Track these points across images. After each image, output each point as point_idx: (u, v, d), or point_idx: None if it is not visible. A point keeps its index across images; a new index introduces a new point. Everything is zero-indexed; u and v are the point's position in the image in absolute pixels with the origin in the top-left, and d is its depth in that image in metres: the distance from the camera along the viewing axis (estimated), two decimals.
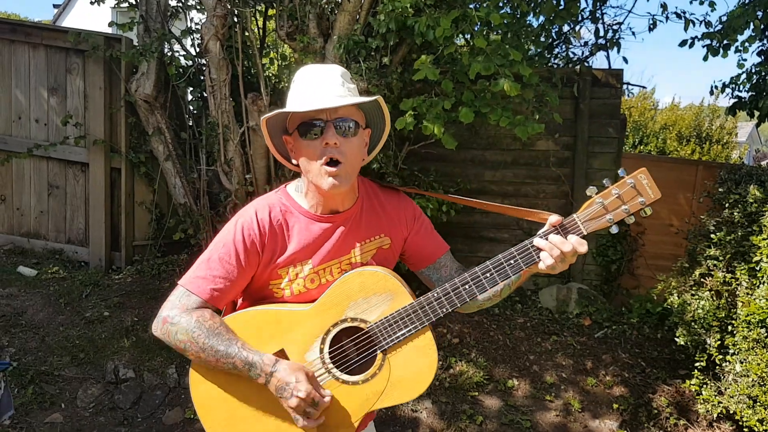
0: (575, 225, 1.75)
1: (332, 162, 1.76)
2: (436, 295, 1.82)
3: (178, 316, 1.77)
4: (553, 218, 1.78)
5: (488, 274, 1.80)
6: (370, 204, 1.99)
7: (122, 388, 4.59)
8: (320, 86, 1.79)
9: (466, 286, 1.81)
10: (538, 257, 1.76)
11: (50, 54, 6.14)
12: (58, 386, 4.54)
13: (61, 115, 6.07)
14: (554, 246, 1.73)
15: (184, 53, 6.04)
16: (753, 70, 6.43)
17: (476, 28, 4.72)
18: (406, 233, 2.04)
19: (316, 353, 1.83)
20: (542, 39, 6.53)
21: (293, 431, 1.81)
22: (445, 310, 1.82)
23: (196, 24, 6.01)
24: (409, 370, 1.82)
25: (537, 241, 1.76)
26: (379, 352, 1.82)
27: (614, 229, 1.78)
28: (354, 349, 1.84)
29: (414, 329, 1.81)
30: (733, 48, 6.01)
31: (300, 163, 1.85)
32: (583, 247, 1.72)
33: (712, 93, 6.41)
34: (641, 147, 13.40)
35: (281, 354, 1.81)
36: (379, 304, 1.82)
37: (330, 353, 1.83)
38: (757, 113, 6.17)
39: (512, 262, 1.79)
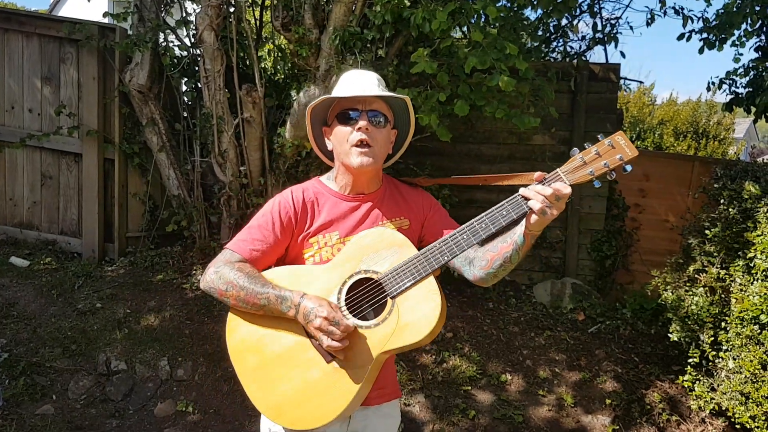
0: (557, 176, 1.90)
1: (363, 144, 2.07)
2: (437, 245, 2.01)
3: (222, 267, 2.07)
4: (536, 174, 1.93)
5: (482, 223, 1.96)
6: (391, 192, 2.28)
7: (114, 380, 4.58)
8: (360, 82, 2.15)
9: (463, 235, 1.99)
10: (527, 205, 1.89)
11: (44, 43, 6.09)
12: (50, 378, 4.53)
13: (55, 104, 6.02)
14: (538, 192, 1.86)
15: (179, 43, 6.00)
16: (749, 66, 6.41)
17: (473, 21, 4.69)
18: (423, 218, 2.28)
19: (334, 301, 2.03)
20: (539, 33, 6.50)
21: (315, 380, 2.01)
22: (446, 257, 1.99)
23: (191, 14, 5.96)
24: (416, 314, 1.99)
25: (523, 190, 1.91)
26: (389, 298, 2.01)
27: (597, 184, 1.92)
28: (367, 297, 2.04)
29: (419, 276, 1.99)
30: (729, 42, 5.99)
31: (334, 146, 2.17)
32: (566, 189, 1.84)
33: (709, 89, 6.39)
34: (638, 142, 13.38)
35: None
36: (389, 257, 2.04)
37: (346, 301, 2.03)
38: (753, 109, 6.14)
39: (503, 211, 1.94)
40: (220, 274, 2.05)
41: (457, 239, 1.99)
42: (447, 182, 2.56)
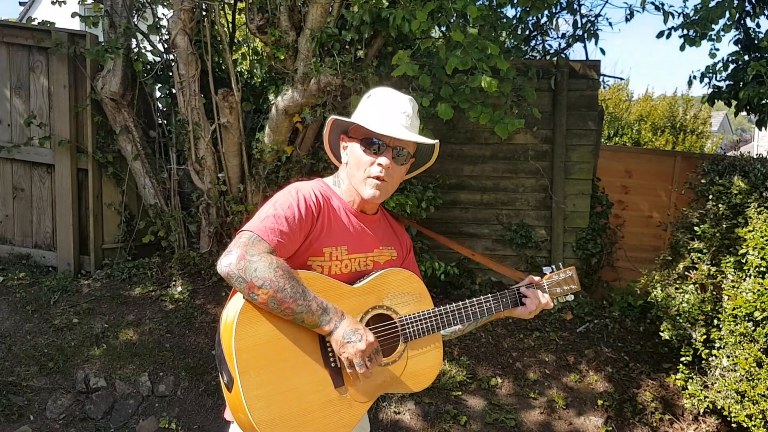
0: (543, 286, 2.36)
1: (379, 178, 2.04)
2: (452, 308, 2.17)
3: (257, 256, 1.81)
4: (531, 278, 2.36)
5: (489, 304, 2.25)
6: (385, 221, 2.30)
7: (93, 397, 4.43)
8: (393, 114, 2.06)
9: (474, 308, 2.22)
10: (521, 301, 2.31)
11: (12, 52, 5.90)
12: (27, 397, 4.37)
13: (25, 114, 5.85)
14: (536, 297, 2.29)
15: (152, 49, 5.86)
16: (729, 60, 6.40)
17: (452, 21, 4.61)
18: (404, 255, 2.31)
19: None
20: (518, 32, 6.44)
21: (316, 405, 1.92)
22: (456, 321, 2.17)
23: (163, 18, 5.82)
24: (422, 365, 2.09)
25: (524, 289, 2.31)
26: (401, 342, 2.06)
27: (557, 303, 2.44)
28: (383, 333, 2.04)
29: (431, 330, 2.11)
30: (707, 37, 5.97)
31: (349, 165, 2.10)
32: (550, 304, 2.32)
33: (690, 83, 6.37)
34: (616, 138, 13.42)
35: None
36: (409, 302, 2.12)
37: None
38: (734, 103, 6.13)
39: (504, 299, 2.29)
40: (254, 266, 1.79)
41: (468, 310, 2.21)
42: (433, 236, 2.76)
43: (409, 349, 2.07)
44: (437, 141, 2.16)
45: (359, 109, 2.14)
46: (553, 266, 2.40)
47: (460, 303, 2.18)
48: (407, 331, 2.07)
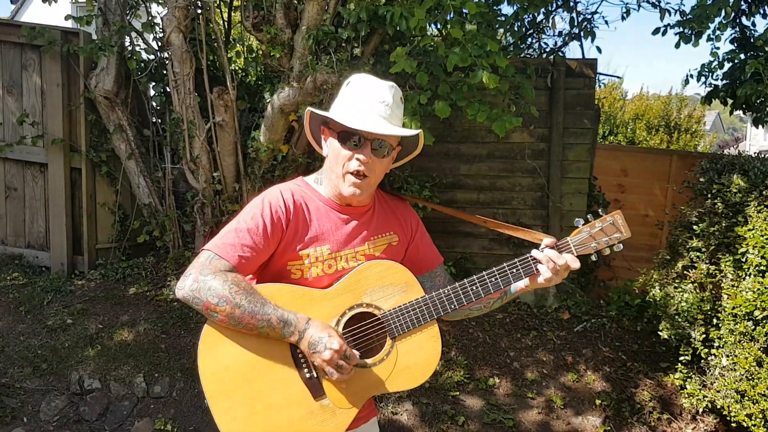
0: (567, 246, 2.03)
1: (358, 174, 1.94)
2: (446, 291, 1.99)
3: (211, 275, 1.80)
4: (548, 240, 2.05)
5: (492, 278, 2.00)
6: (381, 205, 2.16)
7: (88, 399, 4.39)
8: (371, 105, 1.94)
9: (473, 287, 2.00)
10: (537, 269, 1.99)
11: (4, 50, 5.84)
12: (20, 399, 4.32)
13: (18, 113, 5.79)
14: (551, 259, 1.97)
15: (146, 47, 5.80)
16: (725, 58, 6.39)
17: (450, 17, 4.58)
18: (410, 235, 2.19)
19: None
20: (515, 29, 6.42)
21: (298, 419, 1.87)
22: (453, 306, 1.99)
23: (157, 16, 5.76)
24: (415, 360, 1.96)
25: (535, 252, 2.00)
26: (388, 338, 1.96)
27: (594, 257, 2.08)
28: (366, 333, 1.96)
29: (423, 321, 1.96)
30: (705, 36, 5.96)
31: (328, 157, 2.02)
32: (576, 263, 1.99)
33: (687, 82, 6.37)
34: (611, 137, 13.42)
35: None
36: (394, 294, 1.98)
37: (343, 334, 1.92)
38: (731, 101, 6.13)
39: (514, 270, 2.01)
40: (208, 285, 1.79)
41: (467, 289, 2.00)
42: (456, 214, 2.57)
43: (398, 344, 1.95)
44: (419, 131, 2.04)
45: (338, 98, 2.05)
46: (590, 215, 2.07)
47: (457, 284, 2.00)
48: (393, 326, 1.95)
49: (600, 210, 2.07)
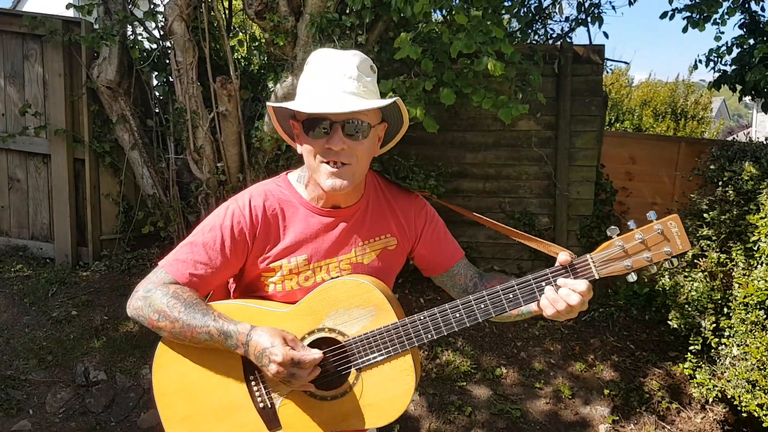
0: (587, 267, 1.61)
1: (336, 163, 1.66)
2: (422, 318, 1.68)
3: (153, 289, 1.68)
4: (563, 256, 1.62)
5: (482, 305, 1.66)
6: (377, 201, 1.87)
7: (93, 391, 4.38)
8: (330, 80, 1.66)
9: (456, 314, 1.67)
10: (540, 296, 1.62)
11: (5, 40, 5.80)
12: (26, 391, 4.32)
13: (20, 104, 5.75)
14: (558, 299, 1.58)
15: (148, 36, 5.75)
16: (733, 43, 6.30)
17: (455, 2, 4.52)
18: (415, 237, 1.92)
19: None
20: (521, 14, 6.34)
21: None
22: (430, 335, 1.67)
23: (159, 5, 5.70)
24: (382, 396, 1.68)
25: (542, 276, 1.63)
26: (353, 369, 1.70)
27: (632, 278, 1.63)
28: (328, 361, 1.70)
29: (393, 352, 1.67)
30: (711, 21, 5.88)
31: (303, 154, 1.74)
32: (588, 292, 1.58)
33: (696, 67, 6.28)
34: (617, 125, 13.33)
35: None
36: (361, 318, 1.69)
37: None
38: (740, 87, 6.05)
39: (510, 295, 1.64)
40: (150, 299, 1.67)
41: (447, 317, 1.67)
42: (460, 211, 2.11)
43: (365, 376, 1.69)
44: (394, 99, 1.69)
45: (299, 83, 1.77)
46: (632, 222, 1.61)
47: (436, 309, 1.68)
48: (358, 355, 1.68)
49: (650, 213, 1.59)
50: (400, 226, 1.89)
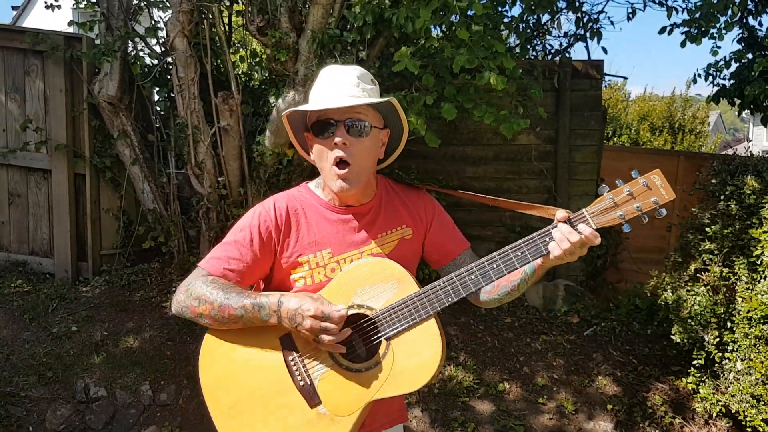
0: (583, 218, 1.76)
1: (341, 163, 1.84)
2: (441, 284, 1.83)
3: (193, 282, 1.86)
4: (561, 213, 1.78)
5: (494, 264, 1.81)
6: (389, 199, 2.06)
7: (94, 407, 4.35)
8: (334, 87, 1.88)
9: (472, 276, 1.82)
10: (546, 249, 1.77)
11: (7, 56, 5.81)
12: (25, 408, 4.29)
13: (21, 119, 5.75)
14: (563, 237, 1.73)
15: (149, 52, 5.76)
16: (731, 57, 6.35)
17: (455, 19, 4.54)
18: (427, 224, 2.08)
19: None
20: (520, 30, 6.38)
21: (295, 428, 1.84)
22: (450, 299, 1.83)
23: (160, 21, 5.73)
24: (413, 360, 1.82)
25: (545, 231, 1.78)
26: (383, 340, 1.84)
27: (626, 228, 1.76)
28: (359, 336, 1.86)
29: (419, 318, 1.82)
30: (708, 35, 5.92)
31: (315, 161, 1.94)
32: (596, 239, 1.72)
33: (695, 81, 6.32)
34: (615, 139, 13.36)
35: (287, 338, 1.87)
36: (386, 292, 1.85)
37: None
38: (738, 101, 6.08)
39: (519, 253, 1.79)
40: (190, 290, 1.85)
41: (464, 280, 1.82)
42: (461, 195, 2.27)
43: (395, 345, 1.82)
44: (390, 98, 1.90)
45: (310, 93, 1.99)
46: (619, 181, 1.75)
47: (454, 274, 1.83)
48: (387, 326, 1.83)
49: (634, 172, 1.74)
50: (413, 217, 2.06)
